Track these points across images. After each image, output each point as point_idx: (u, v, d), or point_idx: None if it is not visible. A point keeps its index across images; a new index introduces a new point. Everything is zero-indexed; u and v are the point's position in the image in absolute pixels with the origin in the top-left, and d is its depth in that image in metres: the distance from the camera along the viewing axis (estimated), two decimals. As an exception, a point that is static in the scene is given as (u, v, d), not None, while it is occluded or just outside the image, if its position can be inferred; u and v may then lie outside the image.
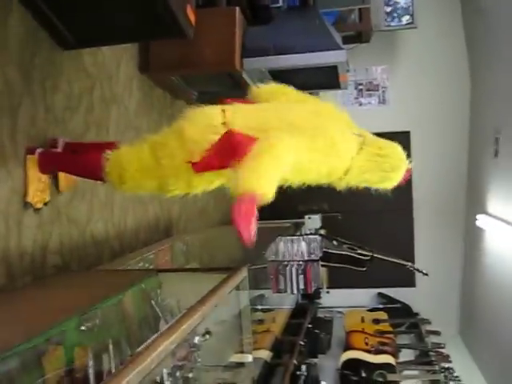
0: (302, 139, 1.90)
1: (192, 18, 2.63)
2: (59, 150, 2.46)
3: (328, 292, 6.25)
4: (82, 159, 2.37)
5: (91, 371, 1.55)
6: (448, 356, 5.50)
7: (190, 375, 1.98)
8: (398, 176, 2.17)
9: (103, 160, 2.18)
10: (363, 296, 6.85)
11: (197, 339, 2.00)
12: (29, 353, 1.48)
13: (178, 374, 1.87)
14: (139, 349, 1.41)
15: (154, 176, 2.16)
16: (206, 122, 2.04)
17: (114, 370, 1.63)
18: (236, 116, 2.03)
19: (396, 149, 2.13)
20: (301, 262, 4.14)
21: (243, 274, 2.31)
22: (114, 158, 2.18)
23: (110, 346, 1.68)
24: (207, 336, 2.08)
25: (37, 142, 2.41)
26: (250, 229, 1.59)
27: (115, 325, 1.92)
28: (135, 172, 2.15)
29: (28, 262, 2.38)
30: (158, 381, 1.72)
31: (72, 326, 1.68)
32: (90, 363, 1.58)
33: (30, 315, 1.77)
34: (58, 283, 2.31)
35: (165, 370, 1.74)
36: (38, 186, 2.36)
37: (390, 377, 4.92)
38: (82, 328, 1.71)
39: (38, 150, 2.35)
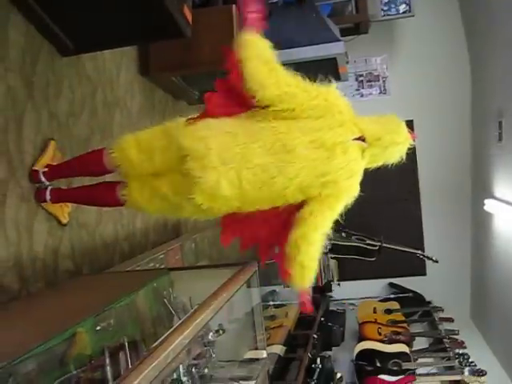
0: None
1: (189, 17, 2.65)
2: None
3: (339, 284, 6.27)
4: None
5: (108, 369, 1.57)
6: (462, 342, 5.50)
7: (206, 371, 2.01)
8: (405, 148, 2.18)
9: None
10: (374, 287, 6.86)
11: (211, 335, 2.03)
12: (46, 354, 1.51)
13: (193, 370, 1.90)
14: (154, 344, 1.43)
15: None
16: None
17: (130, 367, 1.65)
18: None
19: (395, 132, 2.13)
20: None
21: (253, 268, 2.33)
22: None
23: (126, 345, 1.70)
24: (221, 332, 2.11)
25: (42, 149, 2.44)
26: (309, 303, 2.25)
27: (129, 324, 1.94)
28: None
29: (40, 267, 2.41)
30: (175, 377, 1.75)
31: (88, 327, 1.70)
32: (107, 361, 1.60)
33: (45, 319, 1.80)
34: (70, 287, 2.33)
35: (181, 367, 1.77)
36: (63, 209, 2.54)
37: (405, 365, 4.94)
38: (98, 328, 1.73)
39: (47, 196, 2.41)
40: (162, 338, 1.48)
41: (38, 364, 1.46)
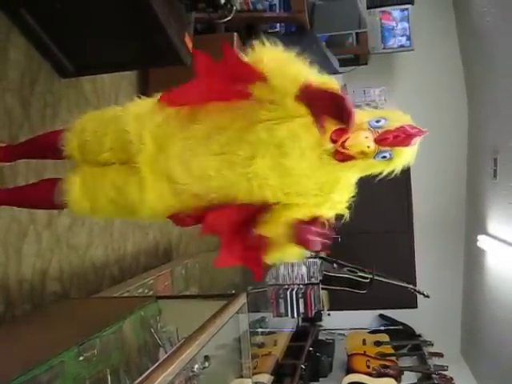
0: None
1: (190, 45, 2.67)
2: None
3: (329, 314, 6.23)
4: None
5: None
6: (451, 378, 5.46)
7: (190, 403, 1.97)
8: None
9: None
10: (364, 318, 6.82)
11: (196, 367, 2.00)
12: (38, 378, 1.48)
13: (177, 403, 1.86)
14: (137, 381, 1.40)
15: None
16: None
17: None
18: None
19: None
20: (301, 286, 4.14)
21: (242, 300, 2.30)
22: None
23: (109, 376, 1.67)
24: (206, 364, 2.08)
25: (36, 172, 2.42)
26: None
27: (114, 354, 1.91)
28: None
29: (27, 289, 2.38)
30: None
31: (71, 356, 1.67)
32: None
33: (29, 345, 1.77)
34: (56, 312, 2.30)
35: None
36: None
37: (393, 401, 4.89)
38: (81, 358, 1.70)
39: None
40: (146, 373, 1.45)
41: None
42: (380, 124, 1.56)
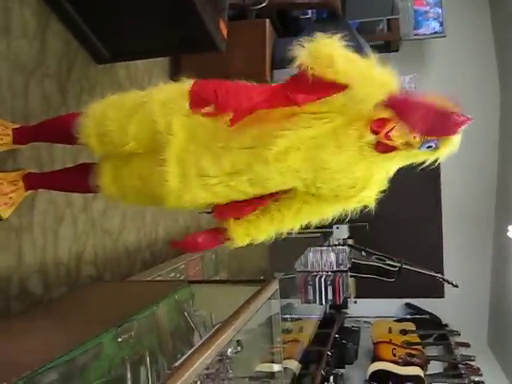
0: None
1: (224, 31, 2.67)
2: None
3: (355, 302, 6.23)
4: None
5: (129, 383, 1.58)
6: (478, 369, 5.42)
7: (224, 386, 2.01)
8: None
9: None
10: (391, 306, 6.79)
11: (229, 352, 2.03)
12: (67, 365, 1.51)
13: (211, 384, 1.90)
14: (176, 364, 1.43)
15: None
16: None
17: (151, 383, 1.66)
18: None
19: None
20: (330, 273, 4.14)
21: (275, 286, 2.32)
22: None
23: (147, 358, 1.71)
24: (238, 348, 2.11)
25: (72, 155, 2.46)
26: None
27: (150, 336, 1.94)
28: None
29: (64, 272, 2.44)
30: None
31: (109, 338, 1.71)
32: (128, 375, 1.61)
33: (67, 328, 1.81)
34: (92, 294, 2.34)
35: (199, 382, 1.78)
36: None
37: (419, 389, 4.89)
38: (119, 340, 1.74)
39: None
40: (184, 357, 1.48)
41: (59, 375, 1.47)
42: None
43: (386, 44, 5.84)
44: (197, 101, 1.69)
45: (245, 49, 3.47)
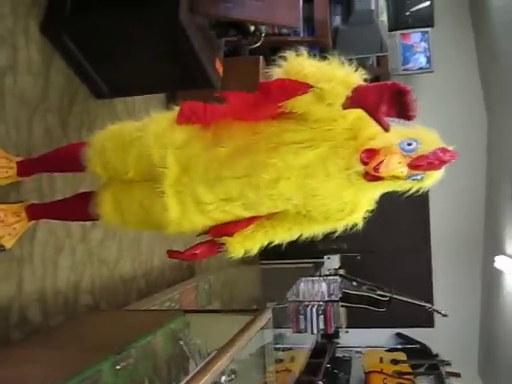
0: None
1: (220, 70, 2.79)
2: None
3: (347, 331, 6.26)
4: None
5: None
6: (468, 399, 5.46)
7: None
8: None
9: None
10: (382, 336, 6.83)
11: (223, 379, 2.08)
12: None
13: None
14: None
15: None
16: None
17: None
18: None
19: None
20: (321, 303, 4.20)
21: (268, 315, 2.39)
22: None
23: (147, 382, 1.77)
24: (233, 376, 2.16)
25: (73, 186, 2.54)
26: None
27: (148, 364, 2.00)
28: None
29: (62, 301, 2.49)
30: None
31: (108, 365, 1.77)
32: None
33: (66, 355, 1.87)
34: (89, 323, 2.40)
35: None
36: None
37: (410, 419, 4.91)
38: (118, 367, 1.80)
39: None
40: (184, 381, 1.54)
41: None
42: (412, 147, 1.56)
43: (376, 78, 6.00)
44: (184, 112, 1.80)
45: (239, 84, 3.58)
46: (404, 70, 5.92)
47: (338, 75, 1.55)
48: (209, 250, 1.94)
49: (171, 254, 1.95)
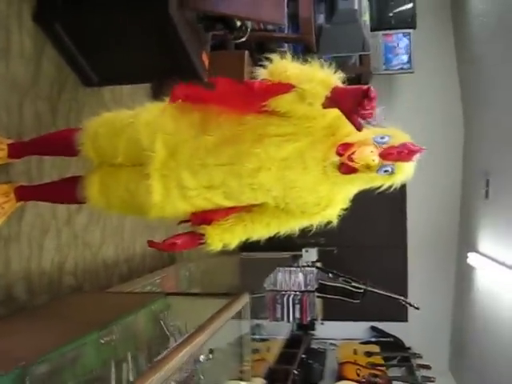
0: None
1: (206, 62, 2.88)
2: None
3: (322, 323, 6.40)
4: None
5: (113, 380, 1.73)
6: (437, 390, 5.64)
7: (195, 390, 2.16)
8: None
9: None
10: (356, 329, 6.99)
11: (202, 357, 2.19)
12: (56, 361, 1.66)
13: (184, 388, 2.05)
14: (156, 359, 1.59)
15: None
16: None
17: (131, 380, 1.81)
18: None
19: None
20: (297, 293, 4.33)
21: (245, 299, 2.50)
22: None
23: (128, 359, 1.86)
24: (210, 356, 2.27)
25: (60, 169, 2.62)
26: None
27: (130, 341, 2.09)
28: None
29: (46, 281, 2.57)
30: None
31: (93, 339, 1.86)
32: (110, 373, 1.76)
33: (53, 330, 1.96)
34: (73, 302, 2.49)
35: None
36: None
37: (381, 408, 5.07)
38: (101, 342, 1.89)
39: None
40: (160, 357, 1.64)
41: (49, 369, 1.62)
42: (384, 140, 1.68)
43: (358, 77, 6.13)
44: (177, 92, 1.92)
45: (224, 75, 3.67)
46: (385, 69, 6.06)
47: (318, 76, 1.66)
48: (189, 241, 2.01)
49: (151, 243, 1.99)
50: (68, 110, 2.77)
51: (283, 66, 1.72)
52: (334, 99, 1.63)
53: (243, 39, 3.06)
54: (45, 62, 2.56)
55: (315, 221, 1.93)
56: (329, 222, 1.92)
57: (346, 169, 1.72)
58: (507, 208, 4.92)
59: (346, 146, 1.71)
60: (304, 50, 4.31)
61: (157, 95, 3.83)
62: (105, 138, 1.99)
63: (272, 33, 4.02)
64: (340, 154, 1.71)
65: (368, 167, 1.68)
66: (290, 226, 1.98)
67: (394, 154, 1.66)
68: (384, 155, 1.66)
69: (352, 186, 1.86)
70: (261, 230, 2.00)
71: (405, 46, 6.11)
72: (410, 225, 6.88)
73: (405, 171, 1.73)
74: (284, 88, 1.69)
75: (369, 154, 1.66)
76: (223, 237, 1.98)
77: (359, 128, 1.60)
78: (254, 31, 3.88)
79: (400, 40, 6.05)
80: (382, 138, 1.69)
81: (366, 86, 1.59)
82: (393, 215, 6.80)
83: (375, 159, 1.66)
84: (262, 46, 4.12)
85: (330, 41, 4.31)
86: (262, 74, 1.77)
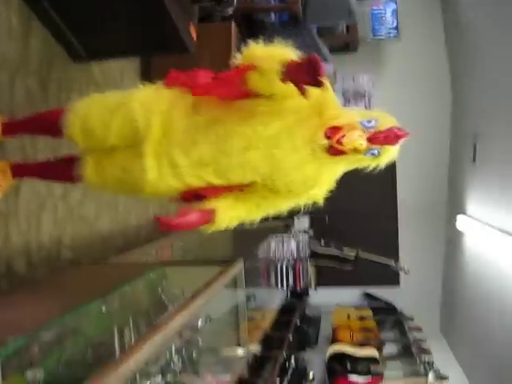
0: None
1: (194, 34, 2.91)
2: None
3: (316, 289, 6.51)
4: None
5: (116, 345, 1.80)
6: (429, 350, 5.80)
7: (194, 354, 2.25)
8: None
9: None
10: (350, 294, 7.13)
11: (199, 322, 2.27)
12: (59, 329, 1.74)
13: (183, 351, 2.14)
14: (155, 323, 1.67)
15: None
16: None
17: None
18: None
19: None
20: (291, 260, 4.42)
21: (240, 265, 2.57)
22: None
23: (129, 325, 1.94)
24: (208, 321, 2.35)
25: (54, 147, 2.67)
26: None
27: (129, 309, 2.17)
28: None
29: (45, 255, 2.64)
30: (168, 356, 1.99)
31: (94, 308, 1.93)
32: (113, 339, 1.83)
33: (53, 300, 2.02)
34: (72, 274, 2.56)
35: (173, 347, 2.01)
36: None
37: (374, 368, 5.22)
38: (103, 310, 1.97)
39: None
40: (162, 318, 1.72)
41: (52, 337, 1.69)
42: (371, 124, 1.76)
43: (345, 45, 6.15)
44: (172, 76, 1.99)
45: (211, 49, 3.70)
46: (373, 37, 6.07)
47: (276, 54, 1.75)
48: (200, 218, 1.96)
49: (162, 222, 1.85)
50: (58, 87, 2.80)
51: (252, 49, 1.81)
52: (286, 72, 1.70)
53: (230, 11, 3.08)
54: (33, 39, 2.58)
55: (302, 201, 1.99)
56: (315, 203, 1.98)
57: (335, 151, 1.79)
58: (493, 171, 5.01)
59: (335, 129, 1.78)
60: (291, 20, 4.32)
61: (146, 70, 3.87)
62: (97, 117, 2.00)
63: (258, 4, 4.04)
64: (329, 137, 1.79)
65: (356, 150, 1.76)
66: (278, 205, 2.03)
67: (381, 139, 1.74)
68: (371, 139, 1.74)
69: (339, 167, 1.93)
70: (254, 212, 2.05)
71: (392, 12, 6.11)
72: (400, 190, 6.98)
73: (390, 153, 1.81)
74: (247, 69, 1.79)
75: (357, 139, 1.74)
76: (230, 214, 2.00)
77: (304, 93, 1.69)
78: (241, 2, 3.90)
79: (387, 5, 6.05)
80: (368, 121, 1.77)
81: (311, 56, 1.66)
82: (383, 181, 6.88)
83: (363, 143, 1.74)
84: (248, 18, 4.13)
85: (316, 10, 4.32)
86: (238, 58, 1.85)
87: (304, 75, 1.65)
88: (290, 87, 1.75)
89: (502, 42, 4.62)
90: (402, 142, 1.78)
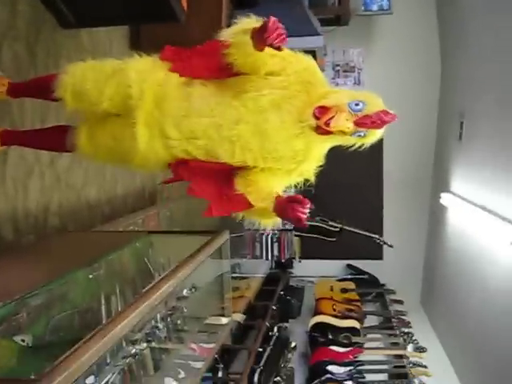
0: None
1: (184, 4, 2.88)
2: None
3: (300, 261, 6.60)
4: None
5: (103, 311, 1.84)
6: (409, 322, 5.93)
7: (178, 322, 2.29)
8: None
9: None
10: (333, 267, 7.21)
11: (185, 292, 2.31)
12: (47, 295, 1.77)
13: (168, 319, 2.18)
14: (143, 290, 1.70)
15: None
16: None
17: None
18: None
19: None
20: (276, 231, 4.46)
21: (226, 236, 2.61)
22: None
23: (116, 292, 1.97)
24: (193, 290, 2.39)
25: (42, 113, 2.66)
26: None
27: (116, 277, 2.21)
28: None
29: (32, 221, 2.65)
30: (153, 324, 2.03)
31: (81, 274, 1.96)
32: (99, 305, 1.87)
33: (41, 266, 2.05)
34: (59, 241, 2.57)
35: (158, 316, 2.05)
36: None
37: (355, 339, 5.33)
38: (90, 276, 2.00)
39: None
40: (148, 287, 1.75)
41: (41, 303, 1.72)
42: (359, 107, 1.77)
43: (337, 18, 6.10)
44: (168, 50, 2.03)
45: (202, 20, 3.66)
46: (364, 10, 6.03)
47: (244, 27, 1.79)
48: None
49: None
50: (47, 52, 2.77)
51: (231, 28, 1.85)
52: (253, 38, 1.74)
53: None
54: (21, 3, 2.54)
55: (293, 178, 2.02)
56: (307, 180, 2.01)
57: (322, 131, 1.83)
58: (479, 150, 5.06)
59: (323, 110, 1.81)
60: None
61: (135, 39, 3.83)
62: (92, 81, 2.01)
63: (250, -27, 3.99)
64: (317, 118, 1.82)
65: (343, 132, 1.80)
66: (271, 185, 2.01)
67: (368, 124, 1.77)
68: (358, 123, 1.77)
69: (326, 144, 1.97)
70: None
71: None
72: (386, 165, 7.01)
73: (375, 135, 1.85)
74: (223, 46, 1.85)
75: (344, 123, 1.76)
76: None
77: (262, 49, 1.75)
78: (232, -29, 3.86)
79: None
80: (356, 104, 1.78)
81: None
82: (369, 156, 6.88)
83: (350, 127, 1.77)
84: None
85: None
86: (221, 35, 1.88)
87: (260, 35, 1.69)
88: (265, 54, 1.79)
89: (492, 19, 4.63)
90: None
